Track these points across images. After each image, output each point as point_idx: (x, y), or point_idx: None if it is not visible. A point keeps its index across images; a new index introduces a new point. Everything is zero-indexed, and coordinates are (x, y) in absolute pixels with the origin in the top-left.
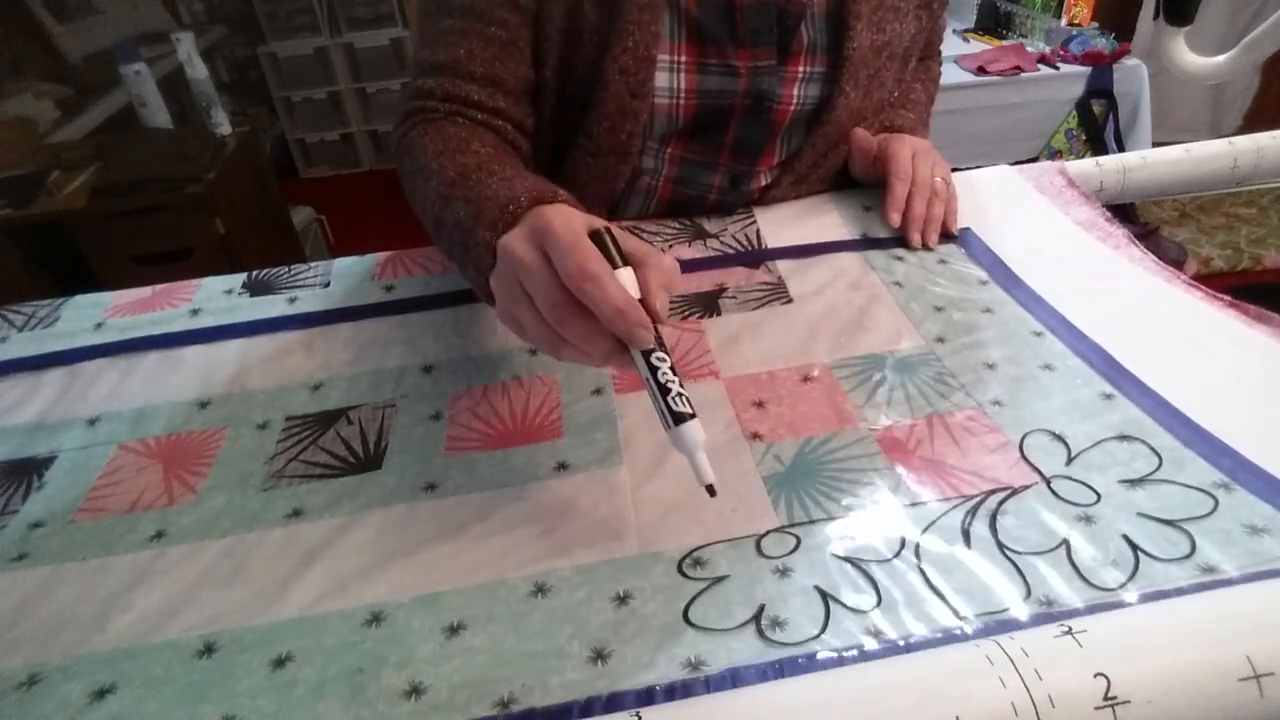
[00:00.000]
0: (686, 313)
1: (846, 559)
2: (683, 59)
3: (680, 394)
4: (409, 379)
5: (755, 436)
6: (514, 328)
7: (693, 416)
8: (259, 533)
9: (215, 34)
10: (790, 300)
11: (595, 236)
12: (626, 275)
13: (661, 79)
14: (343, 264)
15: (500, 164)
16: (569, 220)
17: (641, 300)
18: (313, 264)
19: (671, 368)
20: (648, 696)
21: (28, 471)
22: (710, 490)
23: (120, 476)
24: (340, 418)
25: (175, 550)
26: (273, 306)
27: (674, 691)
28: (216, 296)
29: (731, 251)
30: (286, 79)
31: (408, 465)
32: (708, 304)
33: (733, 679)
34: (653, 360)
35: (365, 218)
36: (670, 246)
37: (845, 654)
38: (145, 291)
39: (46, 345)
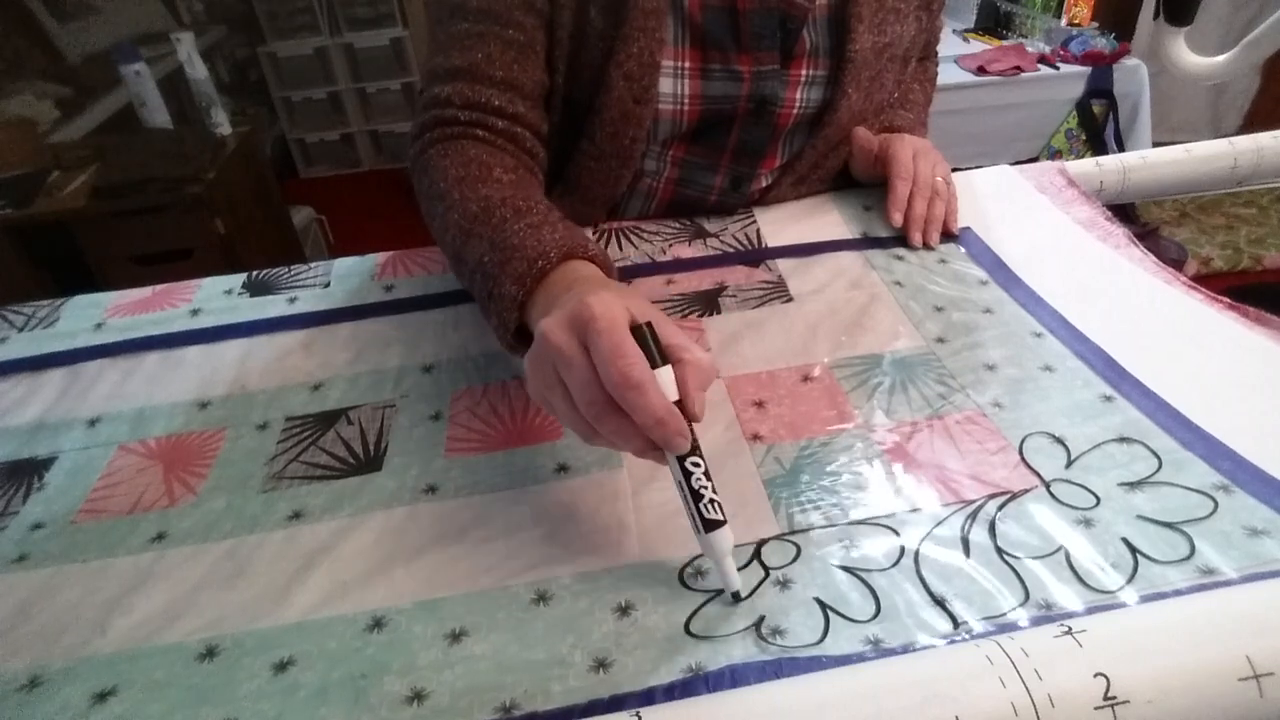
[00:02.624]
0: (686, 311)
1: (846, 569)
2: (686, 64)
3: (713, 500)
4: (409, 379)
5: (755, 438)
6: (546, 408)
7: (723, 523)
8: (260, 535)
9: (215, 34)
10: (790, 299)
11: (636, 332)
12: (665, 375)
13: (665, 84)
14: (343, 264)
15: (525, 199)
16: (611, 313)
17: (678, 401)
18: (313, 264)
19: (705, 473)
20: (647, 696)
21: (28, 472)
22: (735, 597)
23: (121, 477)
24: (340, 418)
25: (176, 552)
26: (273, 306)
27: (673, 691)
28: (216, 296)
29: (731, 250)
30: (286, 79)
31: (408, 467)
32: (708, 302)
33: (731, 677)
34: (687, 465)
35: (365, 218)
36: (670, 245)
37: (845, 659)
38: (145, 291)
39: (46, 345)
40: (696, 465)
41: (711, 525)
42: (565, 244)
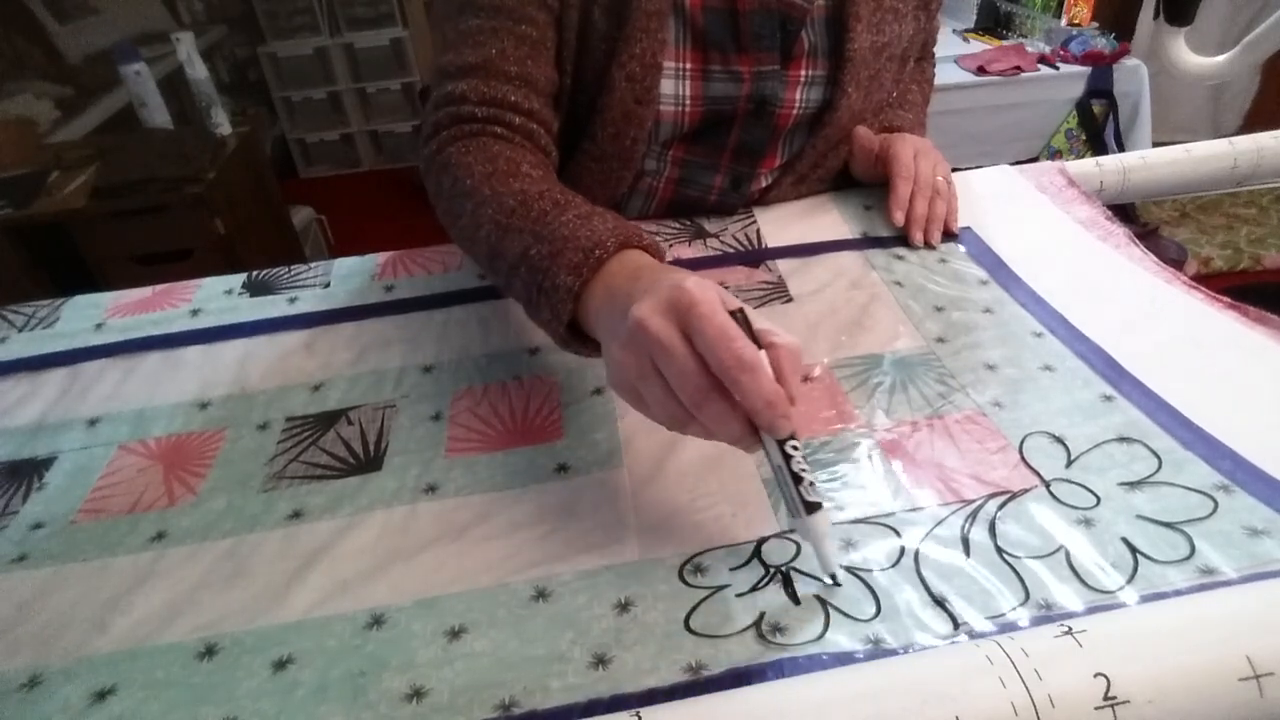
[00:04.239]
0: None
1: (846, 568)
2: (687, 65)
3: (812, 483)
4: (409, 379)
5: None
6: (632, 400)
7: (822, 505)
8: (260, 534)
9: (215, 34)
10: (790, 299)
11: (732, 317)
12: (763, 359)
13: (667, 85)
14: (343, 264)
15: (561, 192)
16: (711, 298)
17: None
18: (313, 264)
19: (804, 455)
20: (648, 697)
21: (28, 472)
22: (832, 579)
23: (121, 477)
24: (340, 418)
25: (176, 552)
26: (273, 307)
27: (674, 692)
28: (216, 297)
29: (732, 251)
30: (286, 79)
31: (408, 466)
32: None
33: (733, 679)
34: (787, 449)
35: (365, 218)
36: (670, 246)
37: (845, 655)
38: (145, 292)
39: (46, 345)
40: (795, 448)
41: (813, 508)
42: (620, 233)
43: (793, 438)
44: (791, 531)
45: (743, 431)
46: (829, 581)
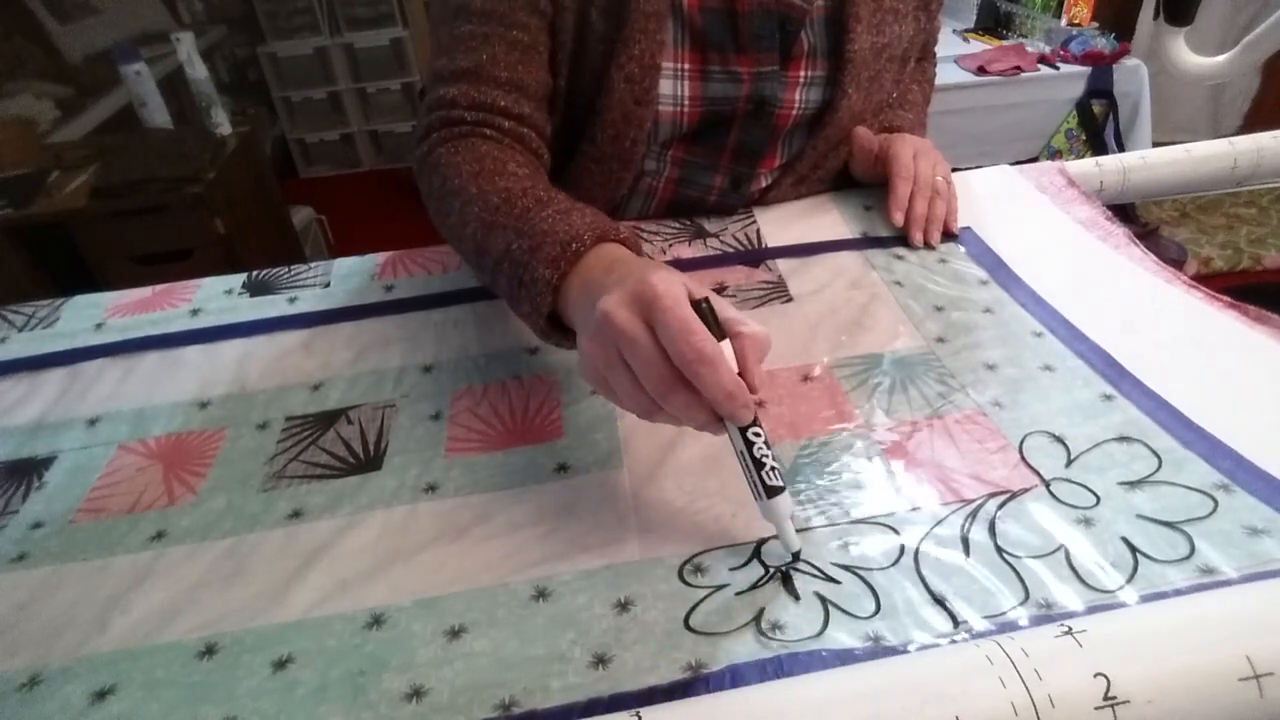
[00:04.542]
0: None
1: (846, 567)
2: (686, 66)
3: (774, 468)
4: (409, 379)
5: None
6: (602, 390)
7: (784, 489)
8: (259, 534)
9: (215, 34)
10: (790, 299)
11: (696, 307)
12: (725, 349)
13: (665, 86)
14: (343, 264)
15: (545, 189)
16: (675, 291)
17: (738, 373)
18: (313, 264)
19: (765, 441)
20: (648, 696)
21: (28, 472)
22: (795, 556)
23: (120, 477)
24: (340, 418)
25: (176, 551)
26: (273, 306)
27: (674, 691)
28: (216, 296)
29: (731, 250)
30: (286, 79)
31: (408, 466)
32: None
33: (732, 678)
34: (749, 435)
35: (365, 218)
36: (670, 245)
37: (845, 653)
38: (145, 291)
39: (46, 345)
40: (757, 435)
41: (774, 491)
42: (597, 227)
43: (755, 424)
44: None
45: (708, 419)
46: (790, 556)
